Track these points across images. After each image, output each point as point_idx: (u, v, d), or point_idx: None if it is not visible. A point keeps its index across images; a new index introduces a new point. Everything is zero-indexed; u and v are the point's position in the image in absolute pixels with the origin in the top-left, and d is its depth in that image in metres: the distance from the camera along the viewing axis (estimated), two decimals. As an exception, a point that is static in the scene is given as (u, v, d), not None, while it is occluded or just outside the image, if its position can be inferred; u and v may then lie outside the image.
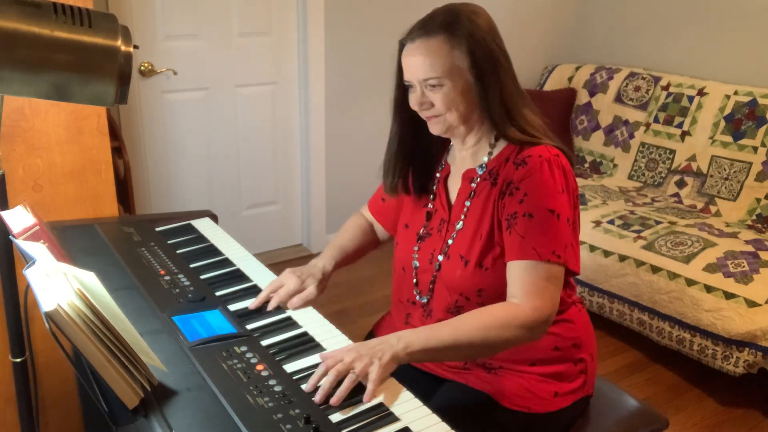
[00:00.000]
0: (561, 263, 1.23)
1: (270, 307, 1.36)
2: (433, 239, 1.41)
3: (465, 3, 1.31)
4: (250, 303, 1.39)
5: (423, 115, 1.33)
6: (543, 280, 1.22)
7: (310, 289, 1.41)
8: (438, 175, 1.45)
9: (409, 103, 1.33)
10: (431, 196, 1.45)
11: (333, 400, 1.06)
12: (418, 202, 1.48)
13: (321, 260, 1.51)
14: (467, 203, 1.36)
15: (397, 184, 1.46)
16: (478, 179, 1.35)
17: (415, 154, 1.45)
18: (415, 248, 1.43)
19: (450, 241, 1.36)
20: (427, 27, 1.27)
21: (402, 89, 1.36)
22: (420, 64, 1.27)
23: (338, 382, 1.10)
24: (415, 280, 1.43)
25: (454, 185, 1.41)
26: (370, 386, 1.09)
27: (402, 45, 1.31)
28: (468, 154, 1.38)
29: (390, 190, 1.48)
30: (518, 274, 1.24)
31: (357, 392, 1.10)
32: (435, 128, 1.34)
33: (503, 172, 1.30)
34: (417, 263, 1.42)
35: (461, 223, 1.35)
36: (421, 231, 1.44)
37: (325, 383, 1.09)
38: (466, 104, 1.29)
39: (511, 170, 1.28)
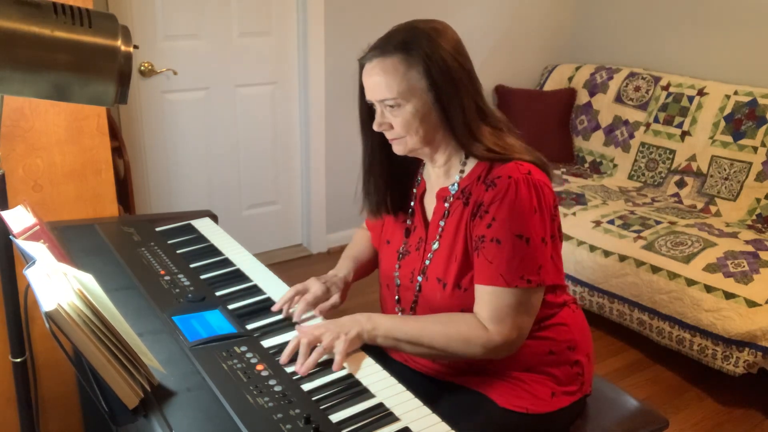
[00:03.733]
0: (533, 287, 1.23)
1: (296, 315, 1.33)
2: (412, 257, 1.40)
3: (428, 20, 1.28)
4: (248, 302, 1.39)
5: (387, 136, 1.32)
6: (509, 306, 1.22)
7: (335, 298, 1.41)
8: (415, 191, 1.44)
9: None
10: (410, 211, 1.44)
11: (301, 371, 1.15)
12: (398, 218, 1.46)
13: (341, 271, 1.49)
14: (441, 223, 1.34)
15: (378, 206, 1.44)
16: (452, 198, 1.33)
17: (391, 171, 1.42)
18: (396, 266, 1.43)
19: (427, 262, 1.35)
20: (383, 47, 1.25)
21: (366, 107, 1.34)
22: (376, 84, 1.25)
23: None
24: (397, 297, 1.43)
25: (430, 203, 1.40)
26: (337, 357, 1.18)
27: (361, 64, 1.29)
28: (441, 172, 1.36)
29: (371, 213, 1.46)
30: (484, 297, 1.24)
31: (357, 393, 1.10)
32: (397, 149, 1.33)
33: (475, 191, 1.28)
34: (398, 281, 1.42)
35: (437, 243, 1.34)
36: (400, 248, 1.43)
37: (289, 348, 1.18)
38: (427, 126, 1.27)
39: (481, 190, 1.26)
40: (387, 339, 1.24)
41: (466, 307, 1.29)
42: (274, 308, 1.36)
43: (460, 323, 1.25)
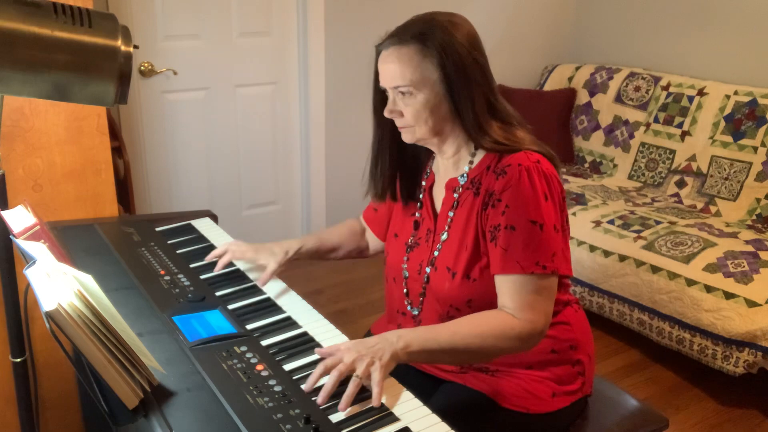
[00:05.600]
0: (548, 273, 1.23)
1: (218, 266, 1.50)
2: (420, 249, 1.40)
3: (446, 12, 1.30)
4: (248, 302, 1.39)
5: (396, 123, 1.33)
6: (532, 293, 1.22)
7: (270, 266, 1.48)
8: (424, 183, 1.45)
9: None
10: (418, 205, 1.44)
11: (341, 407, 1.06)
12: (406, 210, 1.47)
13: (290, 240, 1.55)
14: (451, 213, 1.35)
15: (383, 190, 1.46)
16: (461, 189, 1.34)
17: (401, 159, 1.44)
18: (405, 258, 1.43)
19: (436, 253, 1.36)
20: (400, 35, 1.27)
21: (379, 94, 1.36)
22: (391, 71, 1.27)
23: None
24: (405, 290, 1.43)
25: (439, 195, 1.40)
26: (376, 389, 1.08)
27: (378, 51, 1.31)
28: (450, 164, 1.37)
29: (376, 196, 1.47)
30: (506, 287, 1.24)
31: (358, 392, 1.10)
32: (405, 137, 1.34)
33: (485, 181, 1.29)
34: (407, 273, 1.42)
35: (446, 234, 1.35)
36: (409, 240, 1.44)
37: (328, 386, 1.08)
38: (436, 117, 1.28)
39: (492, 180, 1.27)
40: (422, 354, 1.19)
41: (474, 297, 1.29)
42: (207, 259, 1.53)
43: (489, 319, 1.23)
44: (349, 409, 1.06)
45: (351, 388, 1.07)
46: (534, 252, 1.21)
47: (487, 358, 1.30)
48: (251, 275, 1.52)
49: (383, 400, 1.09)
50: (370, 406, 1.08)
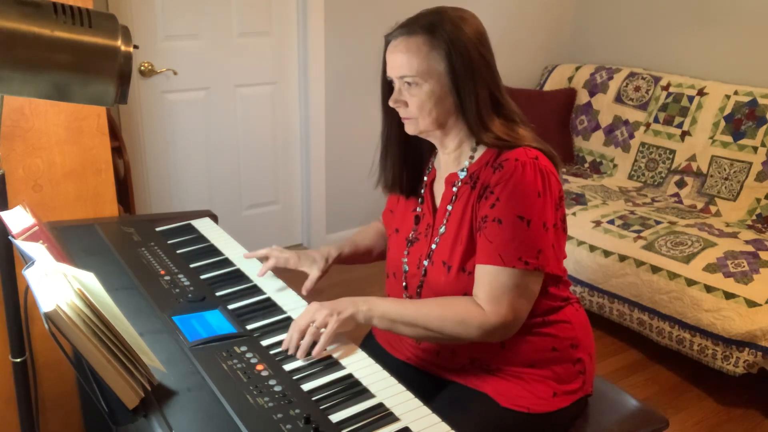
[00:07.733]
0: (531, 269, 1.23)
1: (262, 271, 1.50)
2: (420, 244, 1.41)
3: (455, 7, 1.31)
4: (248, 302, 1.39)
5: (400, 113, 1.34)
6: (506, 287, 1.23)
7: (314, 272, 1.49)
8: (425, 178, 1.46)
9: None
10: (419, 200, 1.45)
11: (298, 354, 1.19)
12: (408, 206, 1.48)
13: (328, 246, 1.55)
14: (449, 207, 1.35)
15: (392, 181, 1.47)
16: (460, 183, 1.35)
17: (407, 152, 1.45)
18: (405, 252, 1.43)
19: (434, 246, 1.36)
20: (409, 26, 1.28)
21: (387, 84, 1.37)
22: (398, 61, 1.28)
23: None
24: (404, 284, 1.44)
25: (439, 190, 1.41)
26: (321, 340, 1.20)
27: (387, 41, 1.33)
28: (451, 159, 1.38)
29: (386, 187, 1.49)
30: (483, 277, 1.25)
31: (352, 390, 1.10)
32: (408, 128, 1.35)
33: (483, 175, 1.30)
34: (407, 267, 1.43)
35: (443, 227, 1.35)
36: (410, 235, 1.44)
37: (292, 341, 1.21)
38: (440, 110, 1.29)
39: (489, 173, 1.28)
40: (383, 320, 1.26)
41: (470, 291, 1.30)
42: (245, 255, 1.54)
43: (456, 304, 1.26)
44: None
45: (307, 338, 1.21)
46: (518, 247, 1.22)
47: (447, 340, 1.31)
48: (251, 275, 1.52)
49: (383, 400, 1.09)
50: (371, 405, 1.08)
